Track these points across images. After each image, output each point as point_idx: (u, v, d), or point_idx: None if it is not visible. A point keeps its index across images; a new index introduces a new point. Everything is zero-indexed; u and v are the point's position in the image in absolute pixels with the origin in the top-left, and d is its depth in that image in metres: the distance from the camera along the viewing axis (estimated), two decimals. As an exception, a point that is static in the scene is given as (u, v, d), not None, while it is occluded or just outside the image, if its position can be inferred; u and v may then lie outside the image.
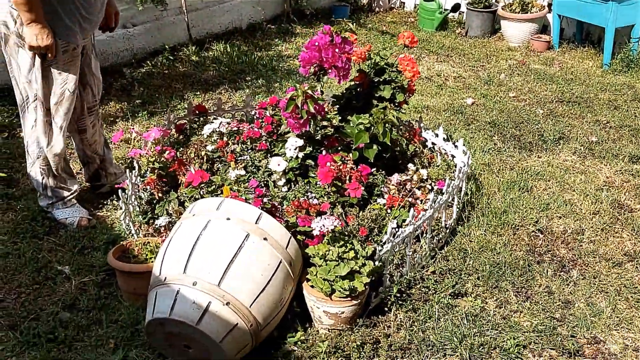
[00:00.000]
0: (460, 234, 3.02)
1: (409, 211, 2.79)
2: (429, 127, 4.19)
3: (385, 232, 2.54)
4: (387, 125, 2.93)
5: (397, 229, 2.58)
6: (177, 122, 3.44)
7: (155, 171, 2.82)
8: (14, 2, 2.47)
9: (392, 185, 2.87)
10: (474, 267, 2.77)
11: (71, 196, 3.01)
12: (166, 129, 3.23)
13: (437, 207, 2.75)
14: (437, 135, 3.49)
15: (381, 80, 3.20)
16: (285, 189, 2.86)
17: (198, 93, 4.78)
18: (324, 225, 2.27)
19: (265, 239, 2.15)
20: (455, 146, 3.35)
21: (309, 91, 2.74)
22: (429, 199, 2.79)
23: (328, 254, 2.27)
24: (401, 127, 3.31)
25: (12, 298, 2.44)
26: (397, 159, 3.22)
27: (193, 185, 2.46)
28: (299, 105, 2.72)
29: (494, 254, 2.88)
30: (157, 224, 2.67)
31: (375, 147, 2.93)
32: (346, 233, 2.53)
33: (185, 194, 2.70)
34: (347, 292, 2.22)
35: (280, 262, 2.15)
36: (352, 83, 3.29)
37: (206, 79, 5.10)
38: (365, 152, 2.93)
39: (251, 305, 2.04)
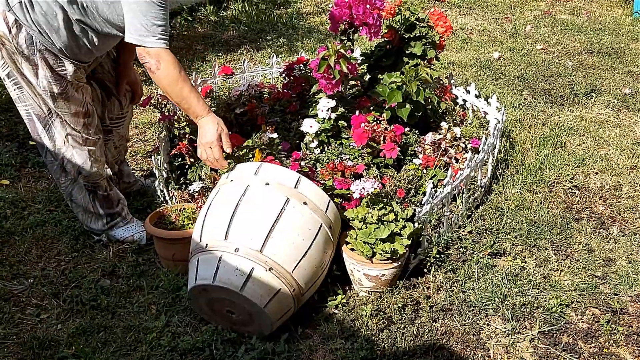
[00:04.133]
0: (495, 192, 2.97)
1: (445, 171, 2.75)
2: (457, 83, 4.09)
3: (424, 193, 2.50)
4: (420, 83, 2.86)
5: (435, 190, 2.54)
6: (203, 85, 3.39)
7: (187, 136, 2.79)
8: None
9: (427, 144, 2.82)
10: (510, 226, 2.73)
11: (126, 209, 2.66)
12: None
13: (474, 166, 2.70)
14: (468, 92, 3.41)
15: (412, 36, 3.10)
16: (317, 151, 2.82)
17: (220, 54, 4.71)
18: (364, 188, 2.24)
19: (305, 203, 2.12)
20: (488, 102, 3.27)
21: (342, 50, 2.66)
22: (465, 158, 2.74)
23: (368, 216, 2.24)
24: (432, 84, 3.23)
25: (53, 266, 2.45)
26: (429, 117, 3.15)
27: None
28: (332, 65, 2.65)
29: (531, 212, 2.84)
30: (190, 189, 2.65)
31: (408, 106, 2.87)
32: (383, 195, 2.50)
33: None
34: (389, 255, 2.20)
35: (321, 226, 2.13)
36: (382, 40, 3.20)
37: (227, 40, 5.02)
38: (398, 111, 2.87)
39: (293, 270, 2.03)
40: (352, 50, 2.90)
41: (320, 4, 6.09)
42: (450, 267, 2.46)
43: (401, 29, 3.13)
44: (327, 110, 2.79)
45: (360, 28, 2.82)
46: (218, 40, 5.00)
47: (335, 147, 2.80)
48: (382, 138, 2.69)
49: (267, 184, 2.14)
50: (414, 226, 2.32)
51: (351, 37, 2.88)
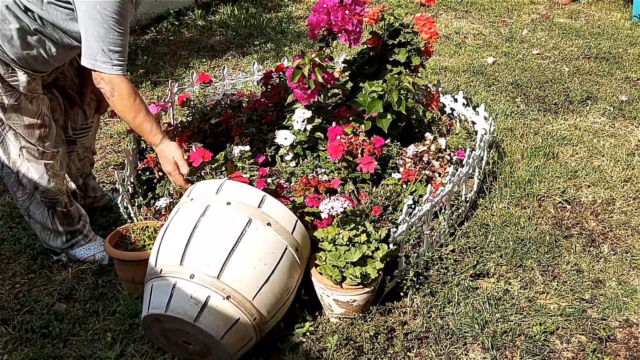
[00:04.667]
0: (481, 207, 2.83)
1: (426, 186, 2.60)
2: (448, 90, 3.95)
3: (401, 211, 2.35)
4: (402, 92, 2.72)
5: (413, 207, 2.40)
6: (180, 93, 3.26)
7: (154, 149, 2.65)
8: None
9: (408, 157, 2.67)
10: (496, 244, 2.59)
11: (87, 227, 2.52)
12: (165, 103, 3.05)
13: (457, 181, 2.55)
14: (456, 100, 3.26)
15: (396, 42, 2.96)
16: (293, 164, 2.68)
17: (204, 60, 4.57)
18: (332, 208, 2.09)
19: (269, 224, 1.98)
20: (476, 112, 3.12)
21: (317, 59, 2.52)
22: (447, 172, 2.59)
23: (338, 237, 2.10)
24: (417, 92, 3.09)
25: (7, 289, 2.32)
26: (414, 127, 3.01)
27: (194, 165, 2.29)
28: (306, 75, 2.51)
29: (518, 229, 2.69)
30: (157, 206, 2.51)
31: (389, 116, 2.73)
32: (358, 213, 2.36)
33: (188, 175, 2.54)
34: (359, 279, 2.05)
35: (286, 248, 1.99)
36: (365, 47, 3.06)
37: (213, 45, 4.89)
38: (379, 122, 2.73)
39: (254, 297, 1.89)
40: (331, 58, 2.76)
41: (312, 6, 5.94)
42: (429, 289, 2.31)
43: (384, 35, 2.99)
44: (303, 122, 2.66)
45: (339, 35, 2.68)
46: (204, 46, 4.86)
47: (311, 160, 2.66)
48: (359, 151, 2.55)
49: (229, 203, 2.00)
50: (389, 247, 2.18)
51: (330, 44, 2.75)
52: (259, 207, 2.02)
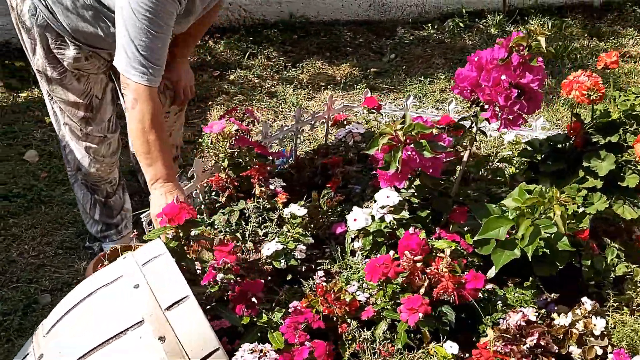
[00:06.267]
0: None
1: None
2: None
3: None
4: (553, 227, 1.68)
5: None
6: (342, 112, 2.69)
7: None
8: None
9: (501, 329, 1.66)
10: None
11: (125, 222, 2.33)
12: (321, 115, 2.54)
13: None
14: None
15: (604, 142, 1.87)
16: (356, 257, 1.95)
17: (437, 73, 3.81)
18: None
19: (162, 338, 1.40)
20: None
21: (414, 132, 1.70)
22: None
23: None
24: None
25: (29, 255, 2.25)
26: (583, 278, 1.90)
27: (162, 222, 1.75)
28: (389, 147, 1.73)
29: None
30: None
31: (508, 253, 1.73)
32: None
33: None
34: None
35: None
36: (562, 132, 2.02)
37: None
38: (493, 253, 1.76)
39: None
40: (484, 133, 1.87)
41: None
42: None
43: (589, 126, 1.91)
44: (383, 208, 1.88)
45: (487, 106, 1.78)
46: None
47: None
48: (421, 283, 1.68)
49: (137, 286, 1.48)
50: None
51: (477, 115, 1.85)
52: (168, 308, 1.44)
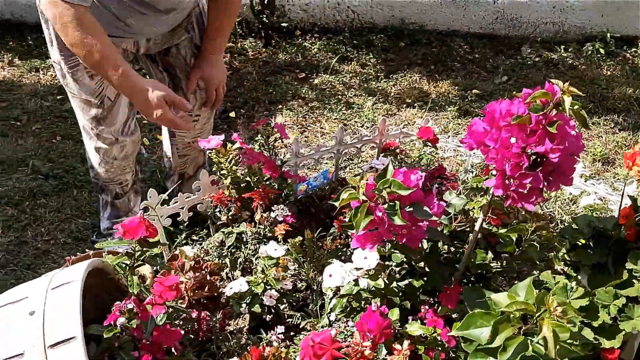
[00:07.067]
0: None
1: None
2: None
3: None
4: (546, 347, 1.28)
5: None
6: (392, 139, 2.38)
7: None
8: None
9: None
10: None
11: None
12: (372, 137, 2.28)
13: None
14: None
15: (663, 239, 1.40)
16: (331, 316, 1.67)
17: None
18: None
19: (38, 377, 1.27)
20: None
21: (385, 192, 1.38)
22: None
23: None
24: None
25: (46, 229, 2.26)
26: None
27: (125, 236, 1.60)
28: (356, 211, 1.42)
29: None
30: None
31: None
32: None
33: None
34: None
35: None
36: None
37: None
38: (472, 356, 1.39)
39: None
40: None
41: None
42: None
43: (648, 215, 1.45)
44: (357, 270, 1.58)
45: (495, 173, 1.40)
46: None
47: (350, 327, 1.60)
48: (364, 376, 1.37)
49: (32, 313, 1.36)
50: None
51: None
52: (52, 345, 1.30)
